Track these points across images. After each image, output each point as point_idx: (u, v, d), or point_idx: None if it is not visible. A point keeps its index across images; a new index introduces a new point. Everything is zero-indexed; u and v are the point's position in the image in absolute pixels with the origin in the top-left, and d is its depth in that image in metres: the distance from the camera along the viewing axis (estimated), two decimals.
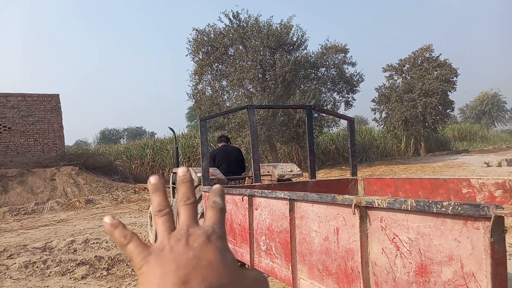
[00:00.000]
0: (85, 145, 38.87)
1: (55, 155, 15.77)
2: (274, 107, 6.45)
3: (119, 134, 59.94)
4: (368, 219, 1.77)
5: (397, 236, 1.62)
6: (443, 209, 1.40)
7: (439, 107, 22.63)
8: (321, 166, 20.60)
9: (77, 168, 14.72)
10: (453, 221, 1.39)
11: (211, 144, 20.45)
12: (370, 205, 1.72)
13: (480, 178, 3.40)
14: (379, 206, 1.67)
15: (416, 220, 1.53)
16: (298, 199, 2.28)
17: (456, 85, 22.67)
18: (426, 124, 23.50)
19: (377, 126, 26.74)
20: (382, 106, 24.80)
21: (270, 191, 2.58)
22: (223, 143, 6.24)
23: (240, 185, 5.56)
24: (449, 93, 22.95)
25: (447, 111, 23.82)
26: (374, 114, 25.29)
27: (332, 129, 20.77)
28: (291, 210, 2.35)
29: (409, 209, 1.53)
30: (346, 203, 1.86)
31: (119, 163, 19.45)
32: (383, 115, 24.95)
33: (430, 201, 1.45)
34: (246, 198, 2.89)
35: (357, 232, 1.81)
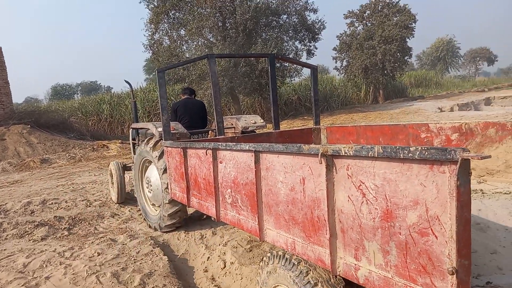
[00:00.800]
0: (36, 102, 36.62)
1: (3, 113, 14.73)
2: (235, 56, 6.19)
3: (72, 89, 56.81)
4: (334, 168, 1.74)
5: (363, 183, 1.60)
6: (410, 154, 1.37)
7: (398, 54, 23.00)
8: (283, 117, 20.72)
9: (29, 126, 13.91)
10: (419, 166, 1.38)
11: (171, 98, 19.84)
12: (337, 154, 1.68)
13: (438, 123, 3.48)
14: (346, 154, 1.64)
15: (383, 166, 1.51)
16: (263, 150, 2.21)
17: (414, 31, 22.95)
18: (385, 72, 23.94)
19: (338, 75, 26.99)
20: (343, 54, 24.86)
21: (234, 143, 2.49)
22: (187, 95, 5.97)
23: (206, 138, 5.44)
24: (407, 40, 23.26)
25: (405, 58, 24.28)
26: (335, 63, 25.39)
27: (294, 79, 20.72)
28: (257, 162, 2.29)
29: (376, 156, 1.50)
30: (312, 153, 1.81)
31: (74, 120, 18.57)
32: (344, 63, 25.08)
33: (397, 147, 1.42)
34: (210, 152, 2.79)
35: (324, 181, 1.78)
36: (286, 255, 2.25)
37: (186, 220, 5.06)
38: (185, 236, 4.79)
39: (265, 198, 2.30)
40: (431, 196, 1.34)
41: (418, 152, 1.34)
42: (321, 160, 1.75)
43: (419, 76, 36.39)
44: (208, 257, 4.21)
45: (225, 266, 3.94)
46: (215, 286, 3.66)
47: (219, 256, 4.12)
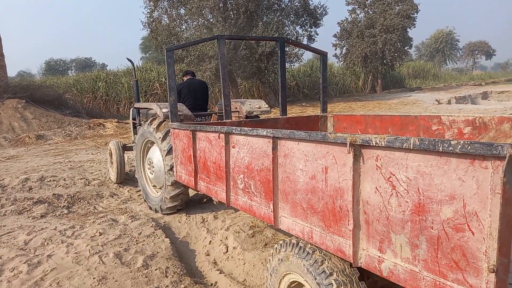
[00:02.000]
0: (30, 77, 35.97)
1: None
2: (245, 38, 6.05)
3: (66, 65, 55.97)
4: (362, 158, 1.70)
5: (393, 175, 1.56)
6: (450, 148, 1.33)
7: (398, 44, 22.87)
8: None
9: (23, 101, 13.66)
10: (458, 160, 1.34)
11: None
12: (366, 144, 1.64)
13: (451, 116, 3.45)
14: (377, 145, 1.59)
15: (417, 159, 1.47)
16: (282, 136, 2.16)
17: (416, 21, 22.80)
18: (385, 61, 23.84)
19: (337, 62, 26.82)
20: (343, 42, 24.66)
21: (250, 128, 2.43)
22: (189, 76, 5.90)
23: (210, 121, 5.37)
24: (408, 30, 23.12)
25: (405, 48, 24.17)
26: (335, 50, 25.20)
27: (294, 65, 20.53)
28: (274, 148, 2.24)
29: (411, 147, 1.45)
30: (338, 142, 1.76)
31: (69, 97, 18.25)
32: (344, 51, 24.90)
33: (436, 140, 1.37)
34: (222, 136, 2.73)
35: (349, 171, 1.74)
36: (300, 243, 2.22)
37: (187, 203, 5.03)
38: (186, 219, 4.77)
39: (281, 186, 2.26)
40: (470, 192, 1.31)
41: (460, 146, 1.30)
42: (349, 150, 1.70)
43: (417, 67, 36.33)
44: (210, 241, 4.20)
45: (227, 251, 3.93)
46: (217, 270, 3.65)
47: (221, 240, 4.10)
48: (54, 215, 4.94)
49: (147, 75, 21.23)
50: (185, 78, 5.99)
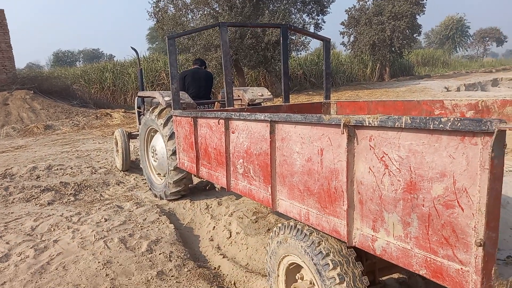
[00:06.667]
0: (38, 68, 36.25)
1: (5, 77, 14.59)
2: (247, 25, 6.06)
3: (74, 56, 56.24)
4: (356, 139, 1.71)
5: (386, 154, 1.57)
6: (440, 125, 1.33)
7: (407, 31, 22.50)
8: None
9: (32, 92, 13.80)
10: (449, 138, 1.34)
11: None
12: (360, 124, 1.64)
13: (453, 100, 3.42)
14: (370, 125, 1.60)
15: (409, 138, 1.47)
16: (280, 120, 2.17)
17: (425, 8, 22.38)
18: (393, 49, 23.51)
19: (345, 50, 26.54)
20: (351, 30, 24.35)
21: (248, 113, 2.44)
22: (197, 66, 5.90)
23: (212, 109, 5.39)
24: (417, 17, 22.72)
25: (414, 35, 23.79)
26: (343, 38, 24.90)
27: (300, 53, 20.37)
28: (272, 132, 2.25)
29: (403, 126, 1.46)
30: (333, 123, 1.77)
31: (77, 88, 18.38)
32: (351, 39, 24.61)
33: (427, 118, 1.37)
34: (222, 121, 2.75)
35: (343, 152, 1.75)
36: (298, 225, 2.24)
37: (192, 190, 5.08)
38: (190, 205, 4.82)
39: (279, 169, 2.27)
40: (460, 168, 1.31)
41: (450, 123, 1.30)
42: (343, 131, 1.71)
43: (426, 55, 35.75)
44: (214, 227, 4.25)
45: (230, 236, 3.98)
46: (220, 254, 3.70)
47: (224, 226, 4.15)
48: (61, 203, 5.03)
49: (153, 65, 21.25)
50: (192, 66, 6.00)
